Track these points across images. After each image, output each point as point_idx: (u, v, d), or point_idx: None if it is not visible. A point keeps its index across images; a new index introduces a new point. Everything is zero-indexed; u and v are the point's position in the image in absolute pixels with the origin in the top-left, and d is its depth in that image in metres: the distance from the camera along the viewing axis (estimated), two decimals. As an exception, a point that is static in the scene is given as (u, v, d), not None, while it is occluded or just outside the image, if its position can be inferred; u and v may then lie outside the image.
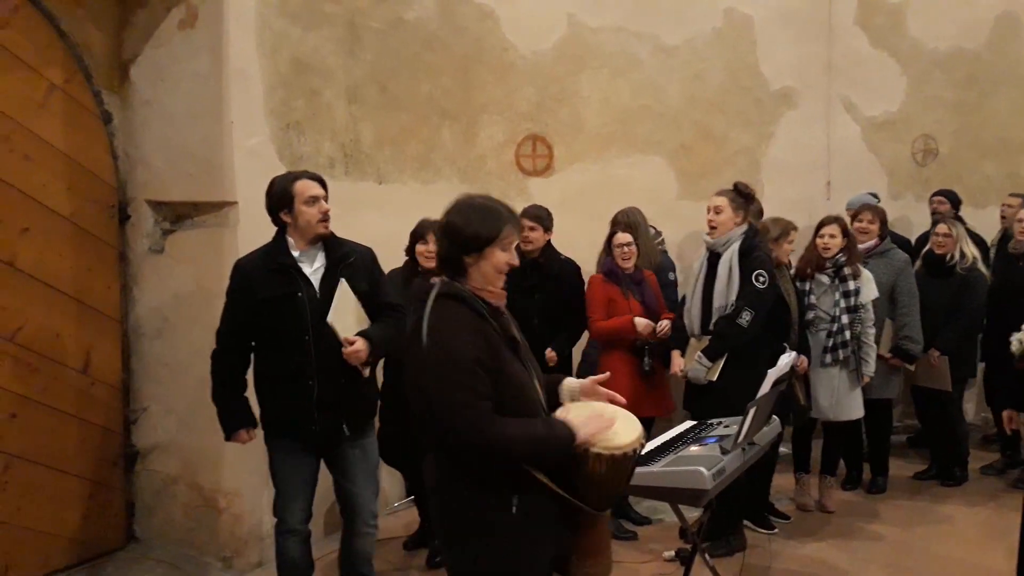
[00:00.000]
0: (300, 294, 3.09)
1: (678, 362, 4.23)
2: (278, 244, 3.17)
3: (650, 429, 4.49)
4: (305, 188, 3.12)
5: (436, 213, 3.93)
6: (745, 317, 3.91)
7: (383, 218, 4.28)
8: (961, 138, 6.41)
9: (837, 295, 4.53)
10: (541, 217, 4.44)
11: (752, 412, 2.90)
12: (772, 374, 3.14)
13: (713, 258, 4.11)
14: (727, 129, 6.00)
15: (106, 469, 4.02)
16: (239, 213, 3.87)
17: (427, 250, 3.88)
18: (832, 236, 4.59)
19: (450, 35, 5.03)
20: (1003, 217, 5.73)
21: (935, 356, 4.97)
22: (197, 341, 3.97)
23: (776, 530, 4.48)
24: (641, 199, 4.94)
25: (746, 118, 6.04)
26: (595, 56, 5.64)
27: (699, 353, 4.04)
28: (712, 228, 4.09)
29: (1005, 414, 3.83)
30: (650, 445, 3.10)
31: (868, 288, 4.57)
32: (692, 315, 4.17)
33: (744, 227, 4.06)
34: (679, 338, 4.27)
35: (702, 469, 2.71)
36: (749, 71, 6.01)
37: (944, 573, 4.01)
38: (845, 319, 4.51)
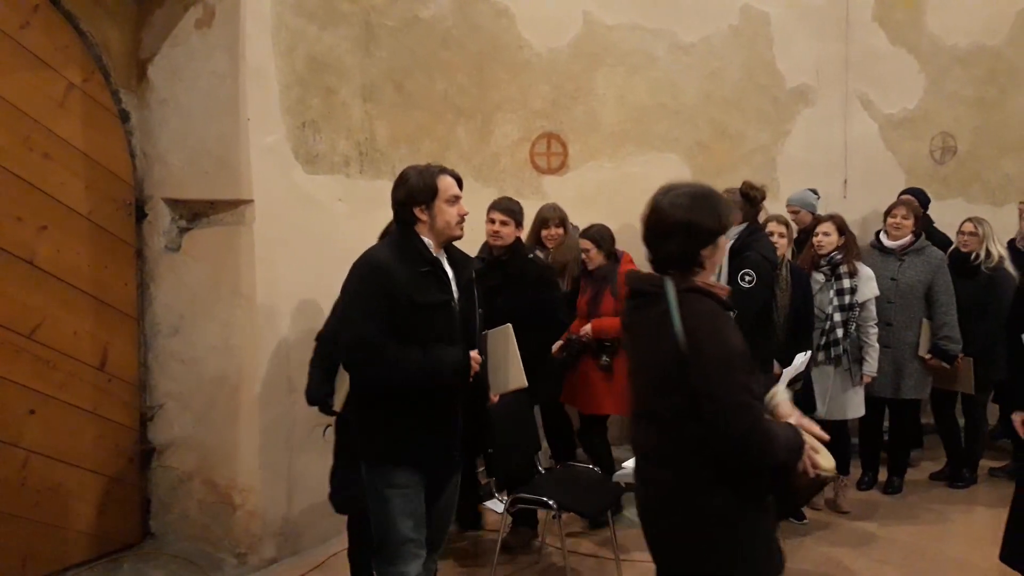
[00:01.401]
0: (453, 303, 2.77)
1: None
2: (415, 242, 2.75)
3: (604, 425, 4.56)
4: (449, 185, 2.78)
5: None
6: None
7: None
8: (981, 136, 6.34)
9: (831, 293, 4.49)
10: (513, 211, 4.08)
11: (767, 412, 2.88)
12: (788, 373, 3.12)
13: None
14: (744, 127, 5.97)
15: (122, 465, 4.05)
16: (255, 211, 3.89)
17: None
18: (826, 234, 4.56)
19: (465, 33, 5.03)
20: (1021, 216, 5.64)
21: (960, 358, 4.91)
22: (213, 338, 4.01)
23: (807, 521, 4.53)
24: (656, 197, 4.91)
25: (763, 116, 6.01)
26: (611, 53, 5.62)
27: None
28: None
29: (1019, 418, 3.56)
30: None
31: (866, 286, 4.50)
32: None
33: (741, 227, 4.06)
34: None
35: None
36: (766, 68, 5.98)
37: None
38: (838, 317, 4.47)
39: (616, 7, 5.58)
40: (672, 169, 5.75)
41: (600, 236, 4.45)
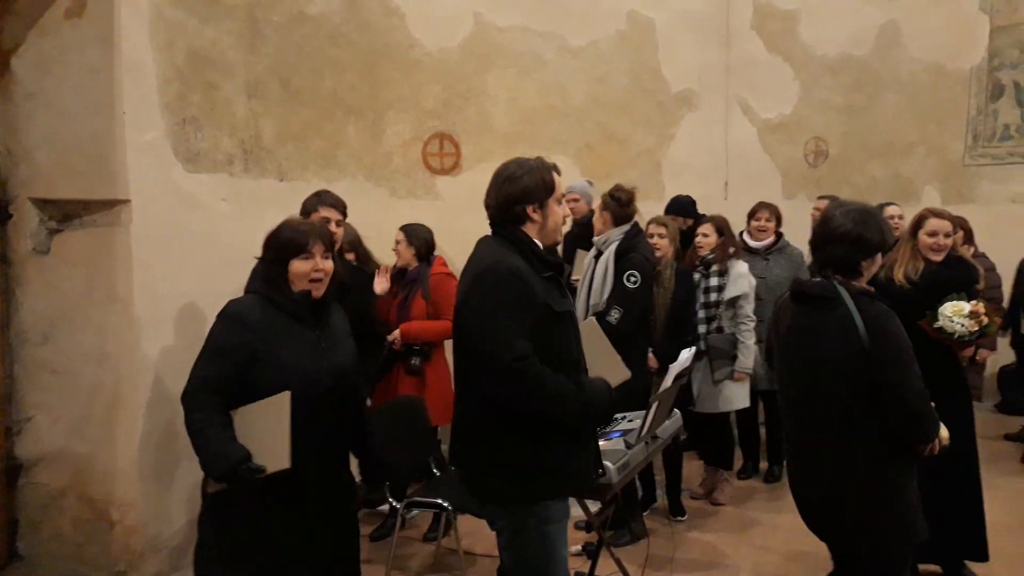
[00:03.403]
0: (574, 311, 2.56)
1: None
2: (530, 245, 2.44)
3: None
4: (559, 183, 2.53)
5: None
6: (613, 315, 4.01)
7: (285, 217, 4.17)
8: (849, 140, 6.73)
9: (700, 291, 4.66)
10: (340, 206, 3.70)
11: (655, 407, 2.97)
12: (673, 369, 3.22)
13: (599, 256, 4.25)
14: (631, 130, 6.13)
15: (-13, 483, 3.79)
16: (132, 211, 3.71)
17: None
18: (705, 235, 4.72)
19: (355, 30, 4.96)
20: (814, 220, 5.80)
21: None
22: (87, 346, 3.80)
23: (686, 516, 4.62)
24: (547, 198, 4.96)
25: (648, 119, 6.19)
26: (502, 55, 5.67)
27: None
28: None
29: None
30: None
31: (735, 284, 4.61)
32: (578, 310, 4.25)
33: (625, 228, 4.18)
34: None
35: (607, 463, 2.76)
36: (651, 73, 6.16)
37: (836, 556, 4.21)
38: (701, 314, 4.62)
39: (506, 9, 5.64)
40: (563, 171, 5.82)
41: (413, 232, 4.36)
